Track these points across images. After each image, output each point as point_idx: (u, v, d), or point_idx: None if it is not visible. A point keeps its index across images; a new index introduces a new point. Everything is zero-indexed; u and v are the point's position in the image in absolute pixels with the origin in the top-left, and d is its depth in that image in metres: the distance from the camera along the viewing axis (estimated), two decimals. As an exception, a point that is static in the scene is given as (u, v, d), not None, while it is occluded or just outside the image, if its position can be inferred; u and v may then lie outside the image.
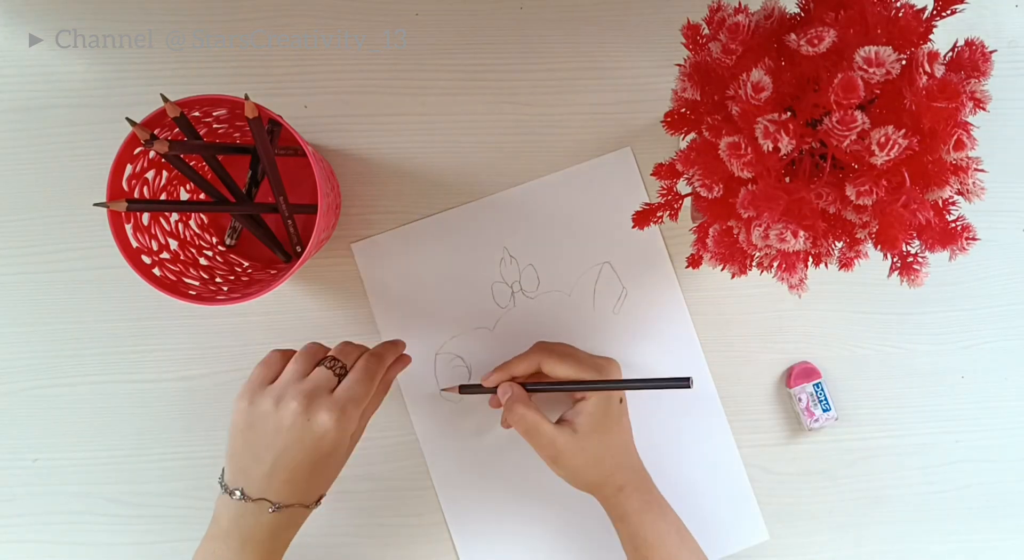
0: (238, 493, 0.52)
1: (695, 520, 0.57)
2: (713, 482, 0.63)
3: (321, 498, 0.53)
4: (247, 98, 0.48)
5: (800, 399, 0.62)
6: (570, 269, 0.63)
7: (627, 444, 0.59)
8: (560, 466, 0.57)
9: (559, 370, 0.57)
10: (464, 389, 0.61)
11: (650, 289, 0.63)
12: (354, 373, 0.53)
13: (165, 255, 0.54)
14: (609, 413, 0.57)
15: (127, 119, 0.47)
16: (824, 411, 0.62)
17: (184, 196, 0.59)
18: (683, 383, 0.52)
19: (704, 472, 0.63)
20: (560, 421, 0.57)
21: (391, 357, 0.56)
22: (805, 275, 0.41)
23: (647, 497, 0.57)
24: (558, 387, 0.57)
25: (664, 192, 0.47)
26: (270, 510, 0.51)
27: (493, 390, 0.58)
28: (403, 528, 0.62)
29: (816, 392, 0.62)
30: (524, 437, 0.57)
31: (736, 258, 0.43)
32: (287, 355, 0.53)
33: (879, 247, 0.39)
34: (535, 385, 0.57)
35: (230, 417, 0.51)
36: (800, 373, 0.63)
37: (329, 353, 0.54)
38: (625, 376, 0.62)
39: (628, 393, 0.60)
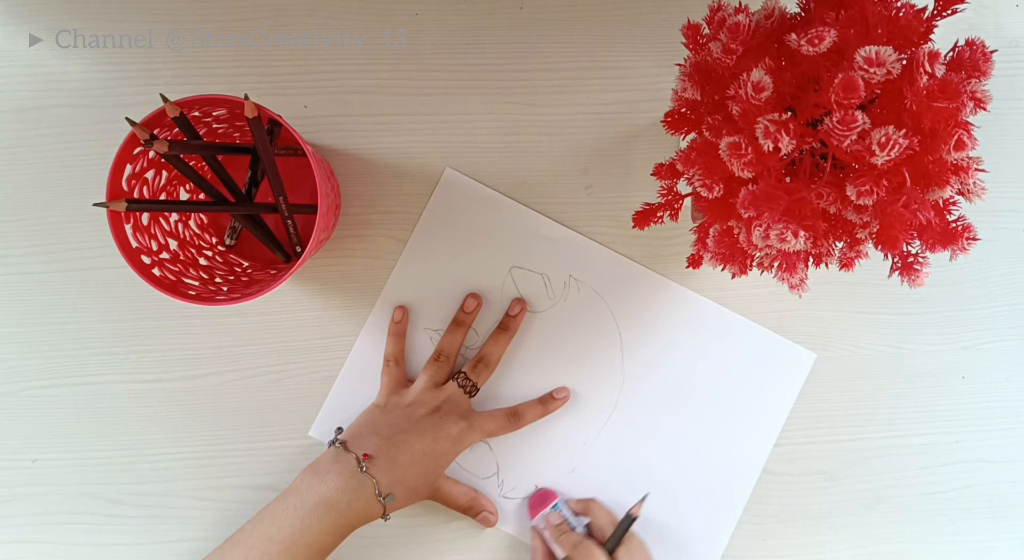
0: (339, 444, 0.56)
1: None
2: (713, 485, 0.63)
3: (388, 510, 0.55)
4: (247, 98, 0.48)
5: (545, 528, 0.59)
6: None
7: None
8: None
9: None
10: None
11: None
12: (497, 413, 0.60)
13: (165, 255, 0.54)
14: None
15: (127, 119, 0.47)
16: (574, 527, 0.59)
17: (184, 196, 0.59)
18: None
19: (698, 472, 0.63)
20: None
21: (531, 419, 0.61)
22: (805, 275, 0.41)
23: None
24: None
25: (664, 192, 0.47)
26: (357, 467, 0.54)
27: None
28: (405, 525, 0.62)
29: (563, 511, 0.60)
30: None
31: (736, 258, 0.43)
32: (398, 347, 0.61)
33: (879, 247, 0.39)
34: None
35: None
36: (538, 500, 0.60)
37: (463, 369, 0.60)
38: None
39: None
